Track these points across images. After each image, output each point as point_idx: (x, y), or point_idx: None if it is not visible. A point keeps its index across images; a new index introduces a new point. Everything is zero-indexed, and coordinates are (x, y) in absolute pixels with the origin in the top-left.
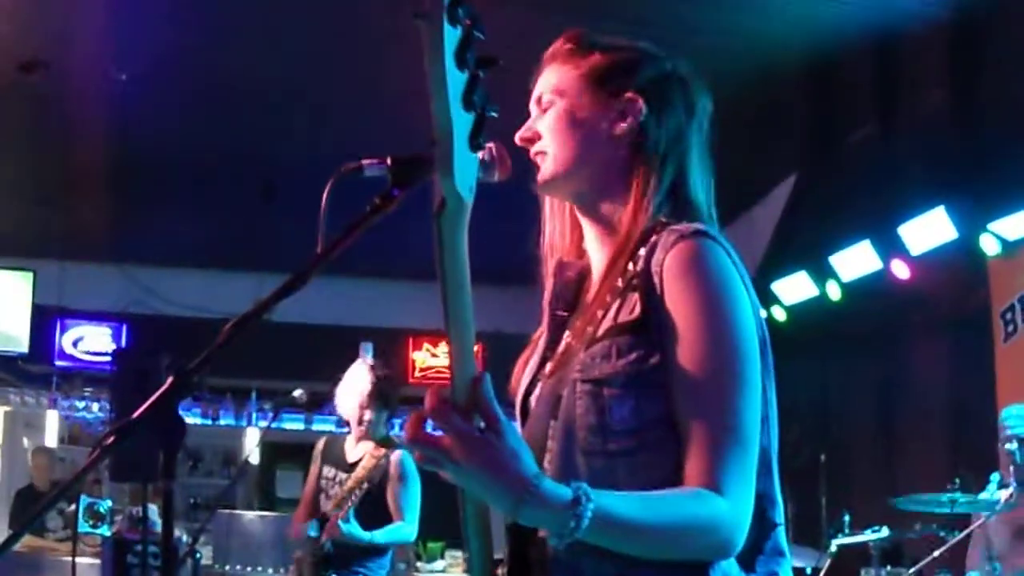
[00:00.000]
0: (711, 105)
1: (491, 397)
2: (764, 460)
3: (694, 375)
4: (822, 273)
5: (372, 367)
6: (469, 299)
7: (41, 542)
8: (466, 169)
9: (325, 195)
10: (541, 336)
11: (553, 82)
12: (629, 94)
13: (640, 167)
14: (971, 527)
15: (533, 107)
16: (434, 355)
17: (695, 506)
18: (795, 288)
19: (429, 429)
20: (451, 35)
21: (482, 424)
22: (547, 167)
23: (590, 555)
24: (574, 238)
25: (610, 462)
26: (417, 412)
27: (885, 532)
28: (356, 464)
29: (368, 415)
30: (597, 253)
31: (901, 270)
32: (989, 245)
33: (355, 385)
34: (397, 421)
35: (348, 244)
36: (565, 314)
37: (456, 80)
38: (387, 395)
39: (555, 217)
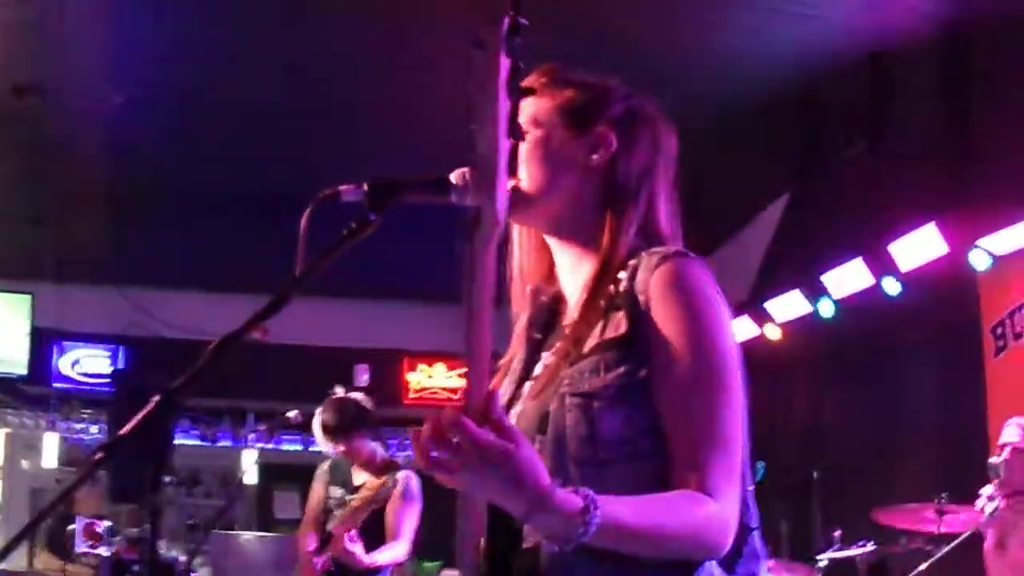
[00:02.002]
0: (676, 145)
1: (502, 412)
2: (741, 468)
3: (682, 386)
4: (815, 291)
5: (331, 399)
6: (490, 320)
7: (71, 566)
8: (502, 194)
9: (304, 221)
10: (512, 360)
11: (529, 113)
12: (601, 128)
13: (612, 198)
14: (955, 541)
15: None
16: (429, 376)
17: (690, 509)
18: (788, 306)
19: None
20: (503, 65)
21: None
22: (518, 195)
23: (586, 558)
24: (543, 264)
25: (601, 471)
26: (434, 419)
27: (871, 547)
28: (362, 486)
29: (355, 450)
30: (569, 278)
31: (892, 287)
32: (979, 261)
33: (320, 415)
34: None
35: (325, 267)
36: (540, 337)
37: (502, 109)
38: (345, 428)
39: (524, 243)
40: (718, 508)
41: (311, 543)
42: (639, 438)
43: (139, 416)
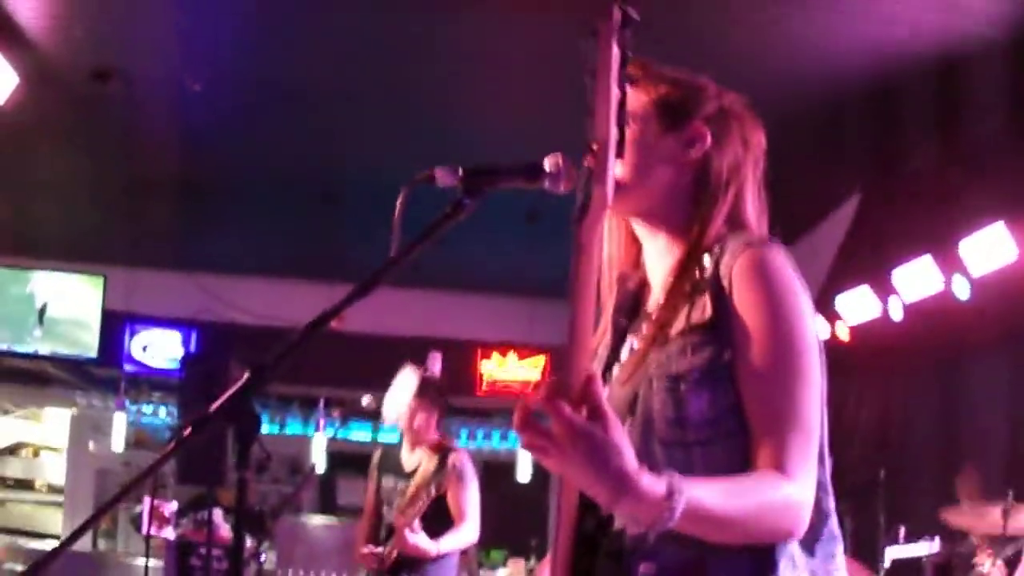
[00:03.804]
0: (765, 141)
1: (601, 393)
2: (819, 452)
3: (764, 370)
4: (885, 291)
5: (418, 370)
6: (594, 303)
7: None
8: (611, 180)
9: (399, 203)
10: (599, 345)
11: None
12: (697, 124)
13: (704, 192)
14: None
15: None
16: (502, 367)
17: (770, 491)
18: (858, 306)
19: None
20: (615, 56)
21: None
22: (615, 185)
23: (670, 542)
24: (631, 252)
25: (688, 452)
26: (526, 401)
27: (937, 543)
28: (415, 472)
29: (418, 418)
30: (656, 265)
31: (961, 288)
32: None
33: (401, 389)
34: (464, 431)
35: (420, 251)
36: (626, 322)
37: (614, 98)
38: (433, 395)
39: (613, 232)
40: (796, 490)
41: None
42: (724, 419)
43: (228, 393)
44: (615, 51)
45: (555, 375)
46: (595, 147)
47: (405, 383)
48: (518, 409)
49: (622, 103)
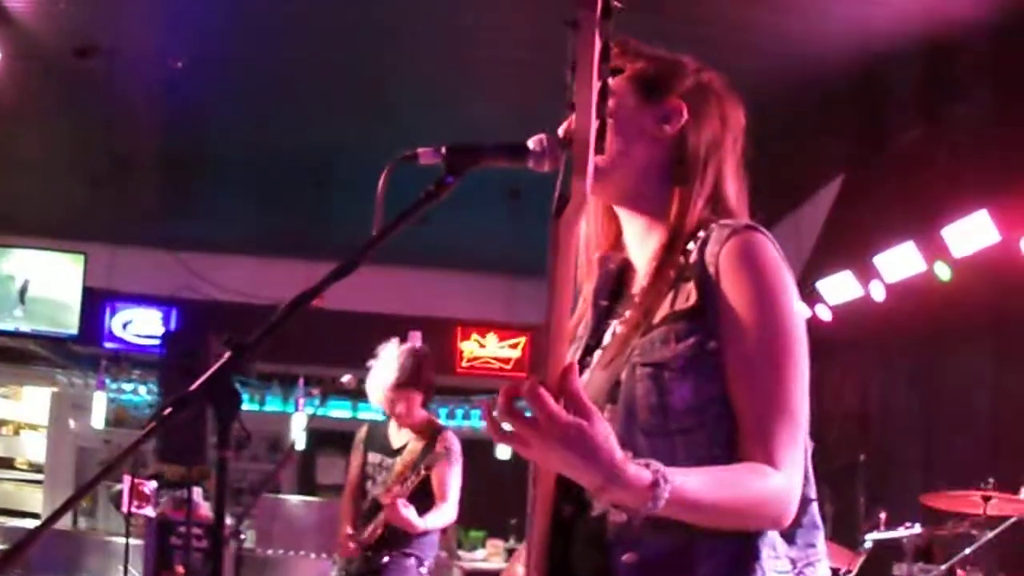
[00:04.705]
0: (744, 119)
1: (579, 386)
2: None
3: (751, 358)
4: (866, 273)
5: (401, 348)
6: (572, 293)
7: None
8: (591, 172)
9: (381, 182)
10: (578, 326)
11: None
12: (673, 99)
13: (681, 169)
14: (1001, 527)
15: None
16: (482, 345)
17: (756, 481)
18: (840, 288)
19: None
20: (596, 46)
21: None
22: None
23: (653, 531)
24: (610, 233)
25: (670, 441)
26: (507, 388)
27: (918, 529)
28: (402, 449)
29: (399, 406)
30: (638, 247)
31: (943, 272)
32: None
33: (382, 371)
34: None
35: (402, 229)
36: (607, 304)
37: (595, 89)
38: (413, 378)
39: (592, 212)
40: (782, 480)
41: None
42: (708, 408)
43: (210, 371)
44: (596, 42)
45: (534, 372)
46: (574, 139)
47: (386, 365)
48: (502, 396)
49: (604, 95)
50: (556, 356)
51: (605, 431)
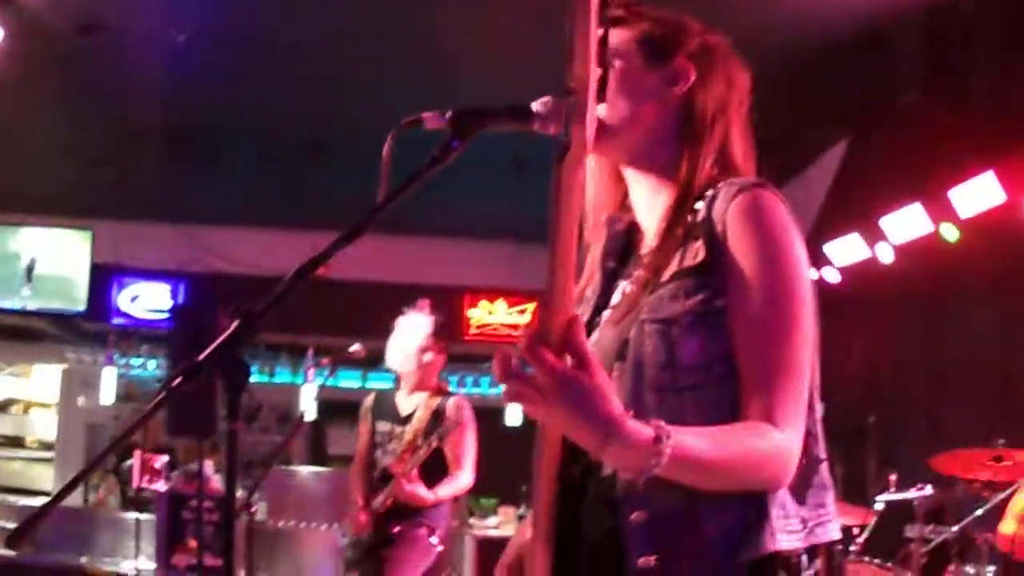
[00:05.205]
0: (749, 81)
1: (583, 338)
2: (808, 399)
3: (755, 316)
4: (873, 235)
5: (428, 313)
6: (575, 246)
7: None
8: (592, 121)
9: (386, 147)
10: (587, 288)
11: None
12: (681, 60)
13: (689, 129)
14: (1013, 488)
15: None
16: (490, 312)
17: (757, 440)
18: (847, 250)
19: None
20: None
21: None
22: (601, 125)
23: (661, 489)
24: (617, 194)
25: (679, 397)
26: (506, 350)
27: (929, 491)
28: (410, 416)
29: (428, 356)
30: (645, 208)
31: (950, 233)
32: None
33: (413, 330)
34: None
35: (408, 194)
36: (616, 265)
37: (594, 37)
38: (445, 338)
39: (598, 174)
40: (782, 438)
41: (359, 494)
42: (716, 365)
43: (219, 339)
44: None
45: (535, 322)
46: (574, 87)
47: (415, 325)
48: (497, 359)
49: (603, 43)
50: (561, 307)
51: (605, 383)
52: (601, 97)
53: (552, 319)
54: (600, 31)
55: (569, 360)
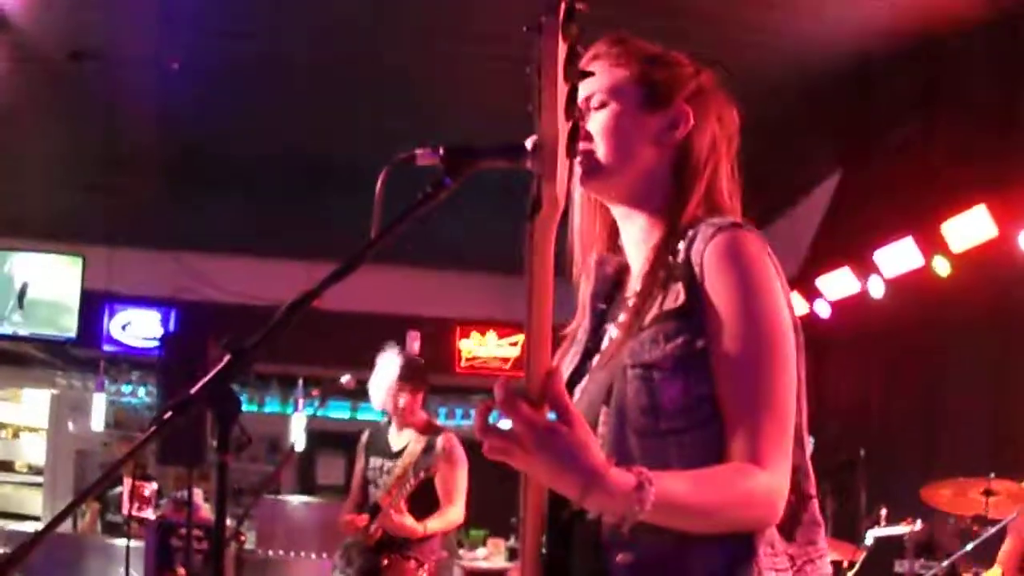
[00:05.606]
0: (738, 119)
1: (563, 389)
2: (797, 436)
3: (735, 357)
4: (865, 269)
5: (400, 352)
6: (551, 297)
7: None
8: (562, 175)
9: (380, 183)
10: (578, 330)
11: (605, 83)
12: (680, 105)
13: (683, 172)
14: (1005, 520)
15: None
16: (481, 344)
17: (743, 481)
18: (838, 284)
19: (494, 421)
20: (561, 49)
21: (552, 416)
22: (596, 166)
23: (647, 532)
24: (605, 234)
25: (662, 441)
26: (485, 403)
27: (919, 525)
28: (402, 451)
29: (402, 399)
30: (635, 249)
31: (942, 267)
32: None
33: (384, 372)
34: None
35: (401, 231)
36: (605, 307)
37: (560, 92)
38: (416, 376)
39: (586, 213)
40: (768, 479)
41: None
42: (699, 408)
43: (211, 373)
44: (561, 45)
45: (511, 377)
46: (543, 143)
47: (388, 365)
48: (477, 414)
49: (572, 96)
50: (539, 360)
51: (585, 434)
52: (572, 151)
53: (532, 370)
54: (567, 86)
55: (550, 412)
